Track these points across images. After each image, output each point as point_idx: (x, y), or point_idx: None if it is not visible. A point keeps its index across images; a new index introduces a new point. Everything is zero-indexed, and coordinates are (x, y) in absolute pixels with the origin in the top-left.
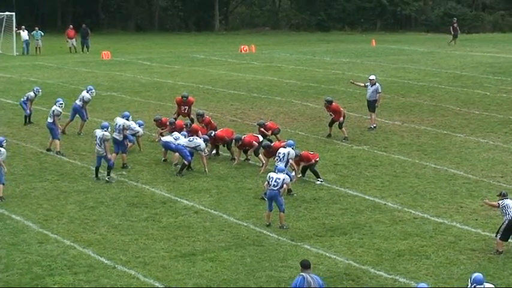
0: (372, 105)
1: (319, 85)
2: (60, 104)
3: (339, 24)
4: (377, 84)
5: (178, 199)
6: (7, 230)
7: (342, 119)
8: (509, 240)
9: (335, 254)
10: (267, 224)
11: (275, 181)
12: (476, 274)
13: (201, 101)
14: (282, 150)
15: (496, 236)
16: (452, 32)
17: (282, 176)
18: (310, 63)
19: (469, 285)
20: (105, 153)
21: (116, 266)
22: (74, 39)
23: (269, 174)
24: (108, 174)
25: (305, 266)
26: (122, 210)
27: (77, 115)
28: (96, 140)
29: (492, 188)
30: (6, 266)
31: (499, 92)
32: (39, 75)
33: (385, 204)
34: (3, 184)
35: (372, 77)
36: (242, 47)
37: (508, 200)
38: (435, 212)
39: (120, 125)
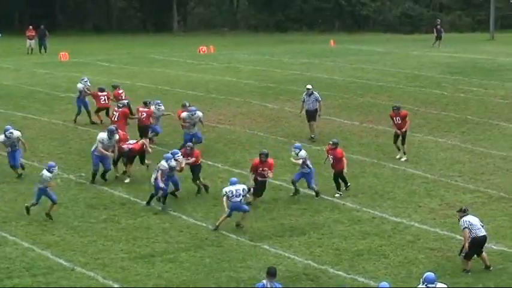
0: (312, 114)
1: (278, 85)
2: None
3: (297, 25)
4: (315, 93)
5: (138, 200)
6: None
7: (406, 130)
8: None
9: (294, 254)
10: (215, 228)
11: (236, 192)
12: (427, 273)
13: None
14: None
15: (459, 255)
16: (435, 34)
17: (241, 186)
18: (269, 64)
19: (421, 284)
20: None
21: (75, 267)
22: (33, 40)
23: (226, 189)
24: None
25: (271, 273)
26: (81, 212)
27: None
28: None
29: (450, 187)
30: None
31: (457, 91)
32: None
33: (343, 204)
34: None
35: (309, 86)
36: (201, 47)
37: (469, 216)
38: (394, 211)
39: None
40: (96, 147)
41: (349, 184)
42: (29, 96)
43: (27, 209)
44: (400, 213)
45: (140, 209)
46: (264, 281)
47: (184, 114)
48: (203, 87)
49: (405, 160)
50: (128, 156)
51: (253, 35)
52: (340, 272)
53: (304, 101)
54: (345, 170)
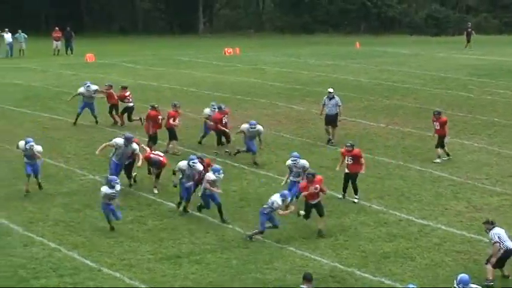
0: (331, 119)
1: (304, 87)
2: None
3: (323, 27)
4: (336, 97)
5: (164, 201)
6: None
7: (447, 136)
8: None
9: (320, 256)
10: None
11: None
12: (462, 275)
13: (186, 103)
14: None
15: (486, 264)
16: (466, 37)
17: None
18: (295, 66)
19: (455, 286)
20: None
21: (101, 268)
22: (59, 42)
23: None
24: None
25: (307, 279)
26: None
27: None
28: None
29: (477, 189)
30: None
31: (483, 94)
32: (24, 78)
33: (370, 206)
34: None
35: (331, 89)
36: (226, 49)
37: (497, 228)
38: (420, 214)
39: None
40: (113, 153)
41: (357, 197)
42: (55, 97)
43: (112, 228)
44: (427, 215)
45: (166, 210)
46: (303, 286)
47: (245, 126)
48: (229, 88)
49: (443, 160)
50: (158, 168)
51: (279, 37)
52: (366, 275)
53: (324, 104)
54: (363, 171)
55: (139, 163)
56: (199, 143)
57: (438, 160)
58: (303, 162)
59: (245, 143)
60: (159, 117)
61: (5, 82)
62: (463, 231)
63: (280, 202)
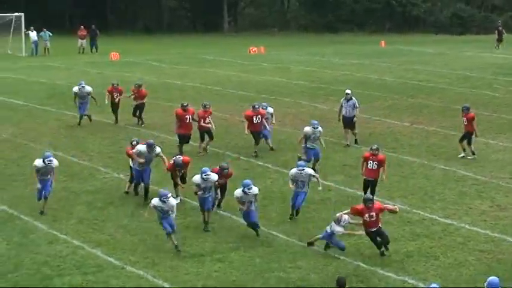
0: (348, 121)
1: (328, 86)
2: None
3: (348, 26)
4: (353, 98)
5: (187, 200)
6: (16, 230)
7: (475, 132)
8: None
9: (344, 255)
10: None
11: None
12: (492, 278)
13: (211, 102)
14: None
15: None
16: (497, 36)
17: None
18: (319, 64)
19: None
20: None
21: (125, 266)
22: (84, 40)
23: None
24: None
25: (341, 284)
26: (131, 211)
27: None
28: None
29: (501, 189)
30: (15, 266)
31: (508, 93)
32: (49, 76)
33: (394, 205)
34: None
35: (348, 91)
36: (251, 48)
37: None
38: (444, 213)
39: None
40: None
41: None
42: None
43: (176, 248)
44: (451, 214)
45: (190, 208)
46: None
47: (308, 129)
48: (253, 87)
49: (467, 155)
50: (183, 168)
51: (304, 36)
52: (390, 274)
53: (342, 106)
54: (384, 177)
55: (165, 166)
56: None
57: (463, 154)
58: (309, 170)
59: (304, 148)
60: (186, 116)
61: (30, 80)
62: (487, 230)
63: (341, 229)
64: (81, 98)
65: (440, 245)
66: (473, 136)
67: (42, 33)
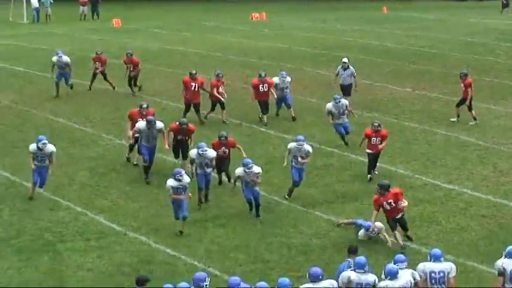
0: (346, 89)
1: (330, 52)
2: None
3: None
4: (351, 67)
5: (190, 166)
6: (19, 196)
7: (469, 98)
8: None
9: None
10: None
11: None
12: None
13: (211, 68)
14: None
15: None
16: (503, 1)
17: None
18: (321, 31)
19: (503, 257)
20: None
21: (127, 232)
22: (85, 7)
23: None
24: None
25: (352, 251)
26: (133, 177)
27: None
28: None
29: (503, 154)
30: (18, 232)
31: (510, 58)
32: (50, 43)
33: (395, 170)
34: None
35: (345, 59)
36: (253, 14)
37: None
38: (446, 178)
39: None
40: (140, 137)
41: (376, 170)
42: (81, 62)
43: (181, 232)
44: (453, 180)
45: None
46: (349, 260)
47: (330, 105)
48: (255, 53)
49: (473, 124)
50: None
51: (305, 2)
52: (391, 238)
53: (338, 74)
54: (380, 147)
55: (166, 145)
56: (277, 115)
57: (455, 119)
58: (307, 147)
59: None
60: (192, 84)
61: (31, 47)
62: (489, 195)
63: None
64: (60, 68)
65: (442, 210)
66: (468, 101)
67: (43, 0)
